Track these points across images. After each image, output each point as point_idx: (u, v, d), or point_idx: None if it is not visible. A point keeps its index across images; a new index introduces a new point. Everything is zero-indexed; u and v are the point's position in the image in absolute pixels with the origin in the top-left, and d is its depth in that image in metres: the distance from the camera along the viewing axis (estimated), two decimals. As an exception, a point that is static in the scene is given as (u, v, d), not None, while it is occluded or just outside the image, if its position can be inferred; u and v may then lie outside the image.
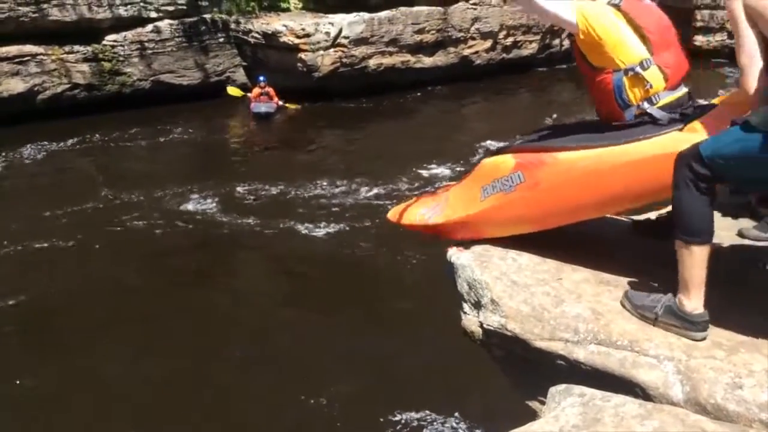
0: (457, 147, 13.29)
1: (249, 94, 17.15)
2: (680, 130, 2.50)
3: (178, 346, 6.66)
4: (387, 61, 18.50)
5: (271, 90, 17.05)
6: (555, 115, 15.27)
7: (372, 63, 18.20)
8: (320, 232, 9.44)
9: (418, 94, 18.88)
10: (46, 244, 9.26)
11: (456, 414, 5.48)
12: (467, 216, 2.95)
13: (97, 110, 16.33)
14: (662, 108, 2.57)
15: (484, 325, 2.69)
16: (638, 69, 2.56)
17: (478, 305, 2.76)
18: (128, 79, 17.25)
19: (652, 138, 2.50)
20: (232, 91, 17.75)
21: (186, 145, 15.03)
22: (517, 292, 2.67)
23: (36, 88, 16.22)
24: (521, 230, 2.90)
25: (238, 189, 11.31)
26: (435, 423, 5.44)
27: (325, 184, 11.28)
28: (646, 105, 2.57)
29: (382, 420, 5.49)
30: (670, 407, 2.10)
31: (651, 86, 2.57)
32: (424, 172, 11.74)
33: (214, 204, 10.68)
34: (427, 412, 5.54)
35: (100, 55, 16.86)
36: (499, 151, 2.99)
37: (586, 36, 2.63)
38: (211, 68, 18.43)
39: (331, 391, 5.89)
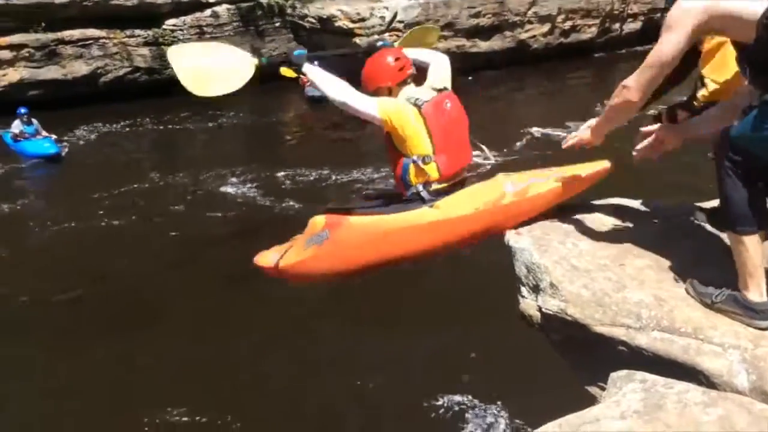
0: (504, 134, 13.07)
1: (302, 76, 17.26)
2: (430, 206, 3.13)
3: (217, 329, 6.68)
4: (442, 45, 18.33)
5: (326, 74, 17.12)
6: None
7: (427, 47, 18.13)
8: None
9: (470, 78, 18.72)
10: (91, 224, 9.57)
11: (505, 399, 5.41)
12: (296, 262, 3.34)
13: (157, 94, 16.75)
14: (432, 192, 3.22)
15: (543, 309, 2.68)
16: (420, 162, 3.19)
17: (536, 289, 2.75)
18: (187, 62, 17.56)
19: (408, 212, 3.16)
20: (285, 71, 17.78)
21: (239, 129, 15.24)
22: (577, 277, 2.65)
23: (99, 71, 16.70)
24: (332, 279, 3.58)
25: (284, 173, 11.39)
26: (478, 408, 5.34)
27: (369, 169, 11.28)
28: (420, 188, 3.21)
29: (426, 405, 5.39)
30: (735, 395, 2.06)
31: (429, 176, 3.21)
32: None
33: (260, 188, 10.78)
34: (469, 397, 5.44)
35: (160, 39, 17.23)
36: (325, 211, 3.48)
37: (389, 128, 3.22)
38: (266, 52, 18.66)
39: (374, 375, 5.83)
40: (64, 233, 9.38)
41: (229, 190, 10.78)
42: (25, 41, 15.97)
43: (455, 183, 3.30)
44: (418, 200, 3.20)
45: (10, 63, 16.12)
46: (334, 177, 11.14)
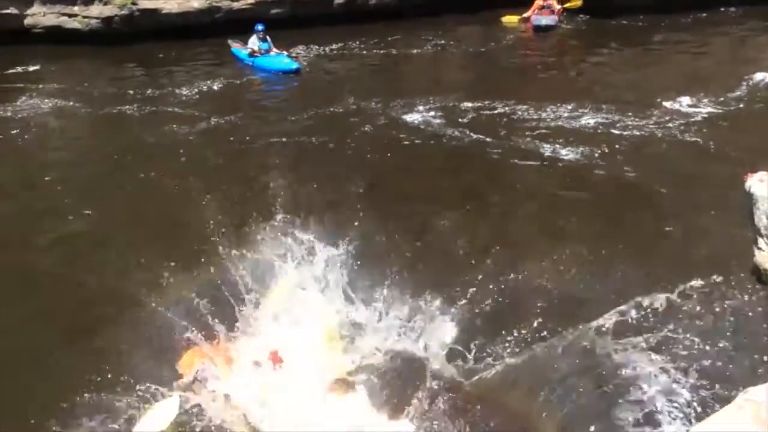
0: (725, 80, 11.78)
1: (526, 15, 16.78)
2: None
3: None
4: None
5: (553, 2, 16.60)
6: None
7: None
8: (566, 155, 9.11)
9: (704, 14, 16.90)
10: (290, 139, 10.34)
11: (703, 359, 4.98)
12: None
13: (384, 17, 17.15)
14: None
15: (782, 265, 2.43)
16: None
17: (777, 242, 2.49)
18: (412, -13, 17.73)
19: None
20: (507, 20, 17.24)
21: (452, 57, 15.21)
22: (829, 234, 2.36)
23: (334, -8, 17.37)
24: None
25: (473, 104, 11.24)
26: (672, 365, 4.94)
27: (562, 110, 10.75)
28: None
29: (608, 363, 4.96)
30: None
31: None
32: (675, 106, 10.67)
33: (444, 118, 10.77)
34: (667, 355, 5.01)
35: (393, -38, 17.45)
36: None
37: None
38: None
39: (558, 316, 5.53)
40: (264, 144, 10.29)
41: (415, 117, 10.88)
42: (270, -40, 17.03)
43: None
44: None
45: (255, -19, 17.29)
46: (519, 113, 10.81)
